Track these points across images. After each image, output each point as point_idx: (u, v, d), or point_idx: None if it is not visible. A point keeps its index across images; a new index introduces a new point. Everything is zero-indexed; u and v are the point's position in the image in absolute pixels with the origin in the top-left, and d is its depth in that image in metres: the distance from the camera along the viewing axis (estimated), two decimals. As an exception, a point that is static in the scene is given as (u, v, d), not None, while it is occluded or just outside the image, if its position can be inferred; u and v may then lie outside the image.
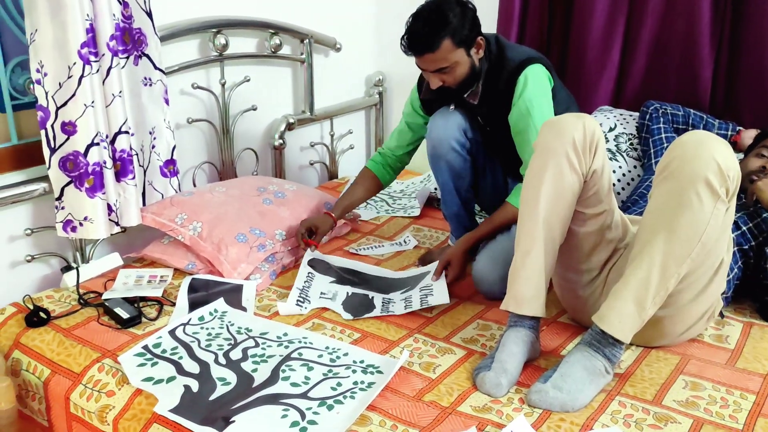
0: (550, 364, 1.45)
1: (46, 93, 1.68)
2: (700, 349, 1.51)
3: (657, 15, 2.23)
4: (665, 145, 2.07)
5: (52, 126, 1.70)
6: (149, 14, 1.85)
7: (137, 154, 1.89)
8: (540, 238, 1.41)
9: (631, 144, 2.17)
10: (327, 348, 1.51)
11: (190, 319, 1.61)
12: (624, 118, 2.24)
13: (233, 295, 1.73)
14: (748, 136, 1.96)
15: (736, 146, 1.99)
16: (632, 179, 2.12)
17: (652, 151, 2.06)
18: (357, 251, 2.06)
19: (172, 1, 2.04)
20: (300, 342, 1.53)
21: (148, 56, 1.88)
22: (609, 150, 2.14)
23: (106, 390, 1.40)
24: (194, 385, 1.37)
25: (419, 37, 1.66)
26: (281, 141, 2.43)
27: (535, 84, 1.72)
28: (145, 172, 1.95)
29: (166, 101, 1.95)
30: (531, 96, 1.71)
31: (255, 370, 1.42)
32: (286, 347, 1.51)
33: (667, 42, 2.24)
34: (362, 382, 1.38)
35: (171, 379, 1.39)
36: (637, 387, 1.37)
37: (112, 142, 1.79)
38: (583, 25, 2.33)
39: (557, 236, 1.44)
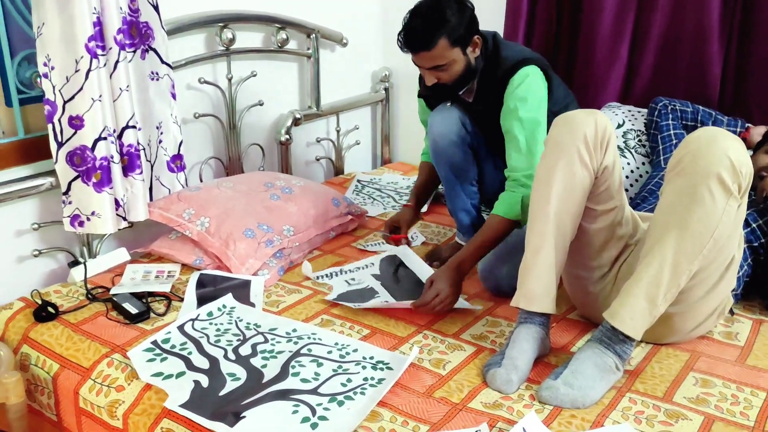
0: (560, 360, 1.45)
1: (54, 87, 1.67)
2: (710, 346, 1.50)
3: (666, 11, 2.22)
4: (674, 141, 2.06)
5: (59, 120, 1.69)
6: (156, 8, 1.85)
7: (144, 149, 1.89)
8: (551, 235, 1.41)
9: (640, 140, 2.16)
10: (336, 344, 1.51)
11: (198, 315, 1.61)
12: (632, 115, 2.23)
13: (241, 290, 1.73)
14: (757, 132, 1.95)
15: (744, 143, 1.98)
16: (641, 176, 2.11)
17: (660, 147, 2.06)
18: (365, 247, 2.05)
19: (178, -5, 2.04)
20: (309, 338, 1.53)
21: (155, 50, 1.88)
22: (617, 146, 2.13)
23: (116, 385, 1.40)
24: (204, 381, 1.37)
25: (415, 35, 1.65)
26: (288, 136, 2.43)
27: (528, 85, 1.69)
28: (152, 167, 1.95)
29: (173, 96, 1.94)
30: (522, 96, 1.69)
31: (265, 366, 1.42)
32: (296, 343, 1.50)
33: (676, 38, 2.23)
34: (372, 378, 1.38)
35: (181, 374, 1.39)
36: (648, 384, 1.36)
37: (119, 136, 1.78)
38: (592, 22, 2.32)
39: (568, 233, 1.43)
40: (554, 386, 1.30)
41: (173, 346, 1.48)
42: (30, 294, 1.68)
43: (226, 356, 1.45)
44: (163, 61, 1.90)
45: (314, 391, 1.33)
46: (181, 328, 1.55)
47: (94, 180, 1.72)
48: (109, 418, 1.38)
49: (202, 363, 1.43)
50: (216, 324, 1.58)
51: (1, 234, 1.75)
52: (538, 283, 1.41)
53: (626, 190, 2.08)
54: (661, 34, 2.25)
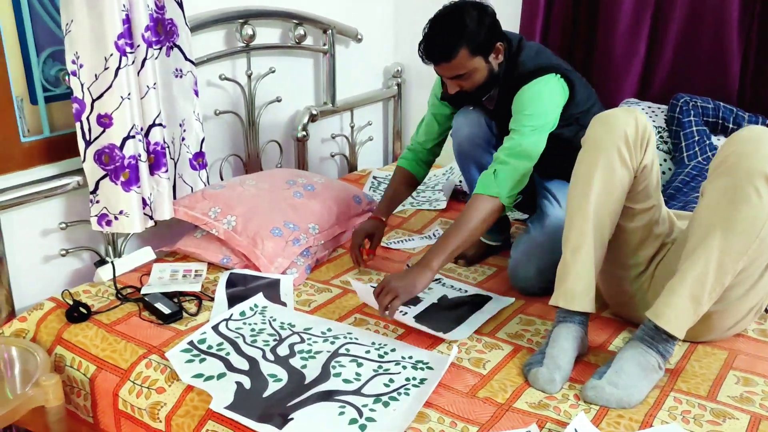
0: (599, 359, 1.46)
1: (82, 85, 1.65)
2: (747, 344, 1.52)
3: (684, 7, 2.23)
4: (696, 138, 2.07)
5: (87, 118, 1.67)
6: (180, 4, 1.82)
7: (168, 147, 1.87)
8: (590, 234, 1.41)
9: (660, 137, 2.17)
10: (373, 344, 1.50)
11: (231, 315, 1.60)
12: (652, 111, 2.24)
13: (271, 289, 1.72)
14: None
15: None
16: (662, 173, 2.12)
17: (683, 144, 2.07)
18: (388, 245, 2.05)
19: (199, -9, 2.02)
20: (345, 337, 1.52)
21: (179, 47, 1.86)
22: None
23: (156, 386, 1.39)
24: (246, 382, 1.36)
25: (436, 46, 1.63)
26: (304, 133, 2.41)
27: (541, 89, 1.66)
28: (175, 165, 1.93)
29: (196, 93, 1.92)
30: (526, 104, 1.66)
31: (304, 367, 1.41)
32: (332, 343, 1.50)
33: (694, 35, 2.24)
34: (414, 378, 1.37)
35: (221, 375, 1.38)
36: (690, 383, 1.37)
37: (146, 134, 1.77)
38: (610, 18, 2.32)
39: (606, 232, 1.44)
40: (599, 386, 1.31)
41: (210, 347, 1.47)
42: (60, 294, 1.66)
43: (264, 357, 1.44)
44: (186, 58, 1.88)
45: (358, 392, 1.33)
46: (215, 328, 1.54)
47: (122, 179, 1.71)
48: (151, 420, 1.37)
49: (242, 364, 1.42)
50: (250, 324, 1.57)
51: (27, 234, 1.73)
52: (577, 282, 1.42)
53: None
54: (679, 30, 2.26)
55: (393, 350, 1.48)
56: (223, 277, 1.74)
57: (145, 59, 1.71)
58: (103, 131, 1.68)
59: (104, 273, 1.76)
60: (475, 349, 1.50)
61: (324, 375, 1.38)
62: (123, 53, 1.64)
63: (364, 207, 2.12)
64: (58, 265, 1.80)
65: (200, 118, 1.95)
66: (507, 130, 1.73)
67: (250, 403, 1.30)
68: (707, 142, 2.07)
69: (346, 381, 1.36)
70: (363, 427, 1.23)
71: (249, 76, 2.20)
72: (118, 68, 1.64)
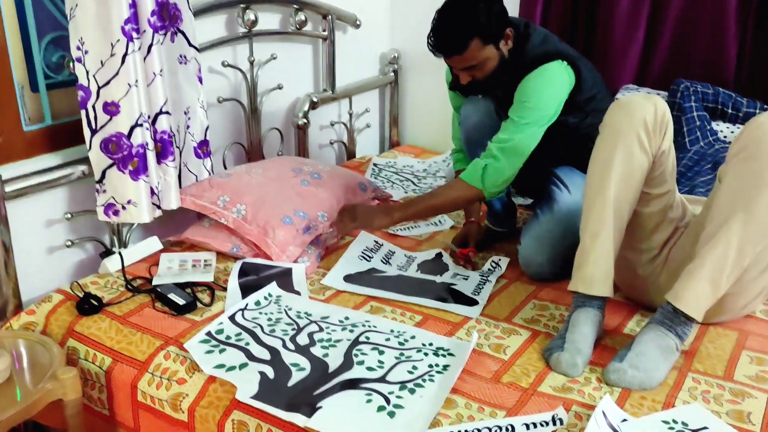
0: (615, 342, 1.47)
1: (87, 72, 1.61)
2: (756, 324, 1.55)
3: (683, -6, 2.25)
4: (697, 123, 2.10)
5: (93, 106, 1.63)
6: (183, -12, 1.79)
7: (174, 135, 1.84)
8: (609, 219, 1.43)
9: (661, 123, 2.19)
10: (392, 331, 1.50)
11: (247, 305, 1.58)
12: (652, 97, 2.25)
13: (284, 278, 1.71)
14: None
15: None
16: (675, 160, 2.14)
17: (685, 129, 2.09)
18: (395, 232, 2.05)
19: (201, -25, 1.98)
20: (363, 326, 1.52)
21: (183, 33, 1.82)
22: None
23: (177, 378, 1.37)
24: (269, 372, 1.35)
25: (446, 39, 1.62)
26: (305, 120, 2.39)
27: (545, 80, 1.66)
28: (180, 153, 1.90)
29: (200, 80, 1.89)
30: (529, 92, 1.66)
31: (326, 355, 1.41)
32: (351, 331, 1.50)
33: (692, 21, 2.26)
34: (437, 365, 1.38)
35: (243, 365, 1.37)
36: (706, 363, 1.40)
37: (153, 122, 1.73)
38: (609, 5, 2.34)
39: (625, 217, 1.45)
40: (621, 369, 1.32)
41: (228, 337, 1.46)
42: (69, 286, 1.62)
43: (284, 346, 1.44)
44: (190, 44, 1.84)
45: (382, 380, 1.33)
46: (232, 318, 1.53)
47: (130, 168, 1.67)
48: (173, 412, 1.35)
49: (262, 354, 1.41)
50: (266, 313, 1.56)
51: (31, 225, 1.69)
52: (596, 267, 1.43)
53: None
54: (677, 16, 2.28)
55: (413, 337, 1.48)
56: (236, 266, 1.72)
57: (151, 45, 1.68)
58: (110, 119, 1.64)
59: (111, 264, 1.73)
60: (494, 335, 1.51)
61: (347, 363, 1.38)
62: (130, 39, 1.60)
63: (369, 194, 2.11)
64: (63, 256, 1.77)
65: (204, 105, 1.92)
66: None
67: (275, 393, 1.29)
68: (708, 127, 2.10)
69: (369, 369, 1.36)
70: (392, 414, 1.24)
71: (251, 63, 2.17)
72: (125, 54, 1.60)
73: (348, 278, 1.73)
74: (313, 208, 1.89)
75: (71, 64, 1.62)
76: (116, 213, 1.71)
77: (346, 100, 2.65)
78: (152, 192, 1.74)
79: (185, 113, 1.89)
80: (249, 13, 2.10)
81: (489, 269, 1.79)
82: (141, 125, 1.66)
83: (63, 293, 1.62)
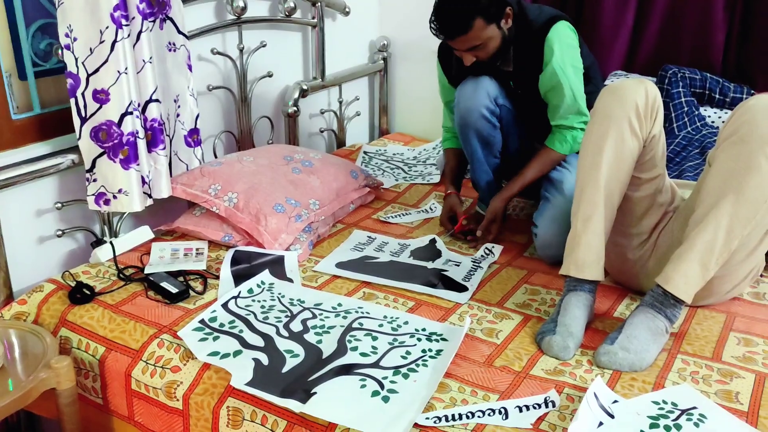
0: (606, 326, 1.49)
1: (76, 59, 1.60)
2: (743, 307, 1.57)
3: (671, -20, 2.26)
4: (685, 109, 2.12)
5: (82, 94, 1.62)
6: (172, -25, 1.77)
7: (164, 124, 1.83)
8: (601, 204, 1.44)
9: (650, 109, 2.21)
10: (385, 317, 1.51)
11: (240, 292, 1.59)
12: (640, 83, 2.27)
13: (276, 266, 1.71)
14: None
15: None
16: (665, 145, 2.16)
17: (673, 114, 2.11)
18: (386, 219, 2.05)
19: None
20: (356, 312, 1.53)
21: (172, 20, 1.80)
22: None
23: (171, 366, 1.38)
24: (263, 359, 1.36)
25: (449, 21, 1.65)
26: (295, 108, 2.38)
27: (563, 42, 1.74)
28: (170, 141, 1.89)
29: (190, 67, 1.88)
30: (562, 55, 1.73)
31: (320, 342, 1.41)
32: (344, 317, 1.50)
33: (680, 6, 2.27)
34: (430, 350, 1.39)
35: (237, 353, 1.37)
36: (695, 345, 1.42)
37: (143, 111, 1.72)
38: (598, -11, 2.34)
39: (615, 201, 1.47)
40: (612, 351, 1.34)
41: (222, 325, 1.46)
42: (61, 275, 1.62)
43: (278, 333, 1.44)
44: (179, 31, 1.83)
45: (376, 365, 1.34)
46: (225, 306, 1.53)
47: (121, 156, 1.66)
48: (168, 400, 1.36)
49: (256, 341, 1.41)
50: (259, 301, 1.56)
51: (21, 215, 1.68)
52: (588, 251, 1.45)
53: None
54: (666, 2, 2.29)
55: (406, 323, 1.49)
56: (228, 255, 1.72)
57: (140, 32, 1.66)
58: (100, 107, 1.63)
59: (102, 253, 1.72)
60: (486, 319, 1.52)
61: (341, 349, 1.38)
62: (119, 25, 1.59)
63: (361, 182, 2.12)
64: (53, 246, 1.76)
65: (194, 93, 1.91)
66: (528, 89, 1.81)
67: (270, 379, 1.30)
68: (696, 112, 2.12)
69: (363, 354, 1.37)
70: (386, 399, 1.25)
71: (241, 50, 2.16)
72: (115, 41, 1.59)
73: (340, 265, 1.74)
74: (304, 196, 1.89)
75: (60, 52, 1.61)
76: (107, 202, 1.71)
77: (336, 88, 2.65)
78: (143, 181, 1.74)
79: (175, 101, 1.88)
80: (238, 0, 2.09)
81: (482, 255, 1.81)
82: (131, 113, 1.65)
83: (54, 283, 1.61)
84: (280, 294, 1.60)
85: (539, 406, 1.23)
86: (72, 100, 1.63)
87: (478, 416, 1.20)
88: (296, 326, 1.47)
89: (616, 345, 1.35)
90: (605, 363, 1.34)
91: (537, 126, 1.88)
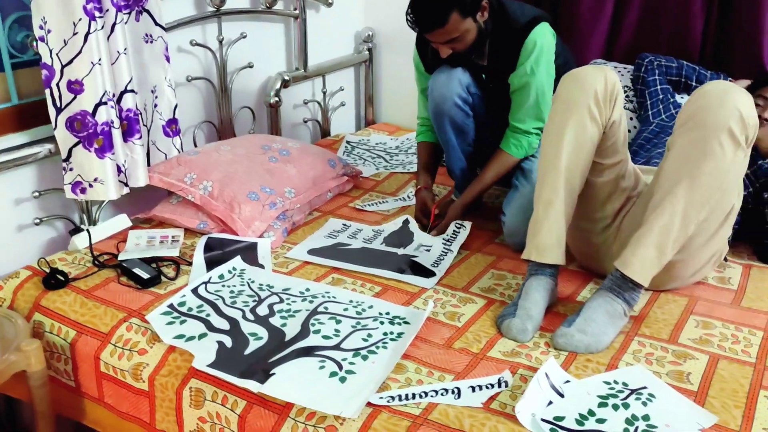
0: (568, 309, 1.51)
1: (51, 51, 1.63)
2: (706, 291, 1.59)
3: (650, -33, 2.26)
4: (660, 96, 2.12)
5: (57, 85, 1.65)
6: (147, -33, 1.80)
7: (141, 114, 1.86)
8: (561, 189, 1.46)
9: (627, 96, 2.22)
10: (351, 301, 1.54)
11: (210, 278, 1.62)
12: (618, 72, 2.28)
13: (249, 253, 1.74)
14: (740, 86, 2.02)
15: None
16: (628, 131, 2.17)
17: (648, 102, 2.12)
18: (363, 207, 2.08)
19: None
20: (323, 296, 1.56)
21: (148, 12, 1.83)
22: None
23: (138, 348, 1.41)
24: (227, 341, 1.39)
25: (426, 14, 1.66)
26: (277, 99, 2.41)
27: (543, 47, 1.74)
28: (148, 131, 1.92)
29: (167, 59, 1.91)
30: (536, 59, 1.74)
31: (284, 325, 1.44)
32: (311, 302, 1.53)
33: (659, -4, 2.28)
34: (392, 333, 1.42)
35: (203, 335, 1.40)
36: (653, 327, 1.44)
37: (118, 101, 1.75)
38: (577, -21, 2.35)
39: (577, 187, 1.49)
40: (569, 333, 1.36)
41: (190, 309, 1.49)
42: (36, 262, 1.66)
43: (244, 317, 1.47)
44: (156, 23, 1.86)
45: (337, 347, 1.37)
46: (195, 291, 1.56)
47: (95, 146, 1.70)
48: (134, 381, 1.39)
49: (222, 324, 1.44)
50: (228, 286, 1.60)
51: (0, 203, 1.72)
52: (549, 236, 1.47)
53: (616, 145, 2.14)
54: (645, -8, 2.30)
55: (371, 307, 1.52)
56: (201, 241, 1.76)
57: (114, 24, 1.69)
58: (74, 98, 1.66)
59: (79, 241, 1.76)
60: (450, 303, 1.55)
61: (304, 332, 1.41)
62: (92, 17, 1.62)
63: (338, 171, 2.14)
64: (33, 234, 1.80)
65: (172, 84, 1.94)
66: (501, 84, 1.82)
67: (232, 361, 1.33)
68: (671, 100, 2.13)
69: (325, 337, 1.40)
70: (343, 379, 1.27)
71: (220, 42, 2.18)
72: (88, 33, 1.62)
73: (312, 252, 1.77)
74: (280, 184, 1.92)
75: (34, 44, 1.64)
76: (83, 191, 1.74)
77: (320, 79, 2.67)
78: (119, 170, 1.77)
79: (152, 92, 1.91)
80: (216, -8, 2.11)
81: (454, 231, 1.82)
82: (105, 103, 1.69)
83: (31, 269, 1.65)
84: (250, 279, 1.63)
85: (492, 386, 1.26)
86: (47, 91, 1.66)
87: (431, 395, 1.23)
88: (263, 310, 1.50)
89: (573, 327, 1.37)
90: (562, 345, 1.36)
91: (505, 120, 1.89)
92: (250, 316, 1.48)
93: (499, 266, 1.72)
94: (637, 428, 1.13)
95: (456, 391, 1.24)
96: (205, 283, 1.60)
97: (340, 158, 2.21)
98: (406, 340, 1.37)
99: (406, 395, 1.23)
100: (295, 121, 2.64)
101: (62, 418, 1.58)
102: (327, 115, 2.75)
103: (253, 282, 1.62)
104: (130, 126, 1.79)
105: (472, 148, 1.97)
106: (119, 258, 1.67)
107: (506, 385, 1.26)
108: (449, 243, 1.79)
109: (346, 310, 1.51)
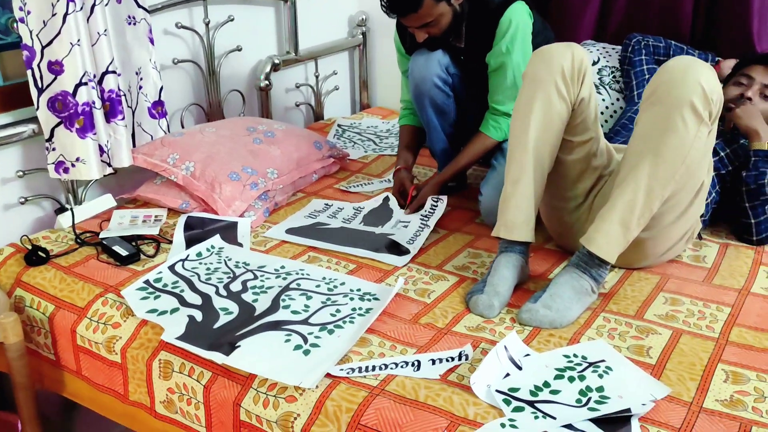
0: (539, 287, 1.52)
1: (31, 32, 1.66)
2: (679, 269, 1.58)
3: (639, -53, 2.24)
4: (647, 76, 2.11)
5: (38, 66, 1.69)
6: (130, -51, 1.82)
7: (125, 95, 1.89)
8: (529, 166, 1.46)
9: (614, 77, 2.21)
10: (324, 278, 1.56)
11: (188, 255, 1.65)
12: (607, 52, 2.27)
13: (229, 231, 1.77)
14: (727, 66, 2.01)
15: (715, 77, 2.03)
16: (615, 111, 2.16)
17: (634, 82, 2.10)
18: (347, 188, 2.09)
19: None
20: (297, 273, 1.58)
21: (130, -6, 1.86)
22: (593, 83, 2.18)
23: (112, 322, 1.44)
24: (198, 315, 1.42)
25: None
26: (267, 82, 2.43)
27: (518, 26, 1.73)
28: (133, 113, 1.95)
29: (151, 41, 1.93)
30: (511, 38, 1.73)
31: (256, 300, 1.47)
32: (284, 278, 1.56)
33: (649, -25, 2.25)
34: (360, 309, 1.44)
35: (175, 310, 1.43)
36: (621, 304, 1.44)
37: (100, 82, 1.78)
38: (567, -42, 2.33)
39: (546, 164, 1.49)
40: (533, 309, 1.37)
41: (165, 285, 1.52)
42: (20, 240, 1.70)
43: (217, 293, 1.50)
44: (139, 5, 1.88)
45: (305, 322, 1.39)
46: (171, 268, 1.59)
47: (77, 126, 1.73)
48: (107, 353, 1.43)
49: (195, 299, 1.47)
50: (205, 263, 1.62)
51: (-15, 182, 1.76)
52: (517, 213, 1.47)
53: (601, 125, 2.12)
54: (635, -29, 2.28)
55: (342, 284, 1.54)
56: (181, 220, 1.78)
57: (94, 5, 1.72)
58: (55, 78, 1.69)
59: (64, 220, 1.80)
60: (422, 281, 1.56)
61: (273, 307, 1.44)
62: (70, -1, 1.65)
63: (324, 153, 2.16)
64: (18, 213, 1.84)
65: (157, 66, 1.96)
66: (478, 65, 1.82)
67: (200, 334, 1.36)
68: (658, 80, 2.11)
69: (294, 312, 1.42)
70: (307, 352, 1.30)
71: (207, 25, 2.20)
72: (66, 14, 1.65)
73: (290, 231, 1.79)
74: (262, 165, 1.94)
75: (15, 25, 1.67)
76: (66, 170, 1.78)
77: (312, 63, 2.68)
78: (102, 150, 1.80)
79: (137, 73, 1.93)
80: (202, -25, 2.13)
81: (431, 206, 1.83)
82: (86, 84, 1.72)
83: (14, 246, 1.70)
84: (227, 257, 1.65)
85: (453, 359, 1.27)
86: (29, 72, 1.69)
87: (391, 368, 1.24)
88: (236, 286, 1.53)
89: (538, 303, 1.38)
90: (526, 320, 1.37)
91: (485, 101, 1.89)
92: (223, 292, 1.50)
93: (476, 245, 1.73)
94: (590, 399, 1.14)
95: (416, 363, 1.26)
96: (183, 260, 1.63)
97: (327, 141, 2.22)
98: (373, 316, 1.39)
99: (366, 367, 1.25)
100: (287, 104, 2.65)
101: (52, 394, 1.62)
102: (320, 99, 2.76)
103: (230, 260, 1.64)
104: (112, 107, 1.82)
105: (454, 129, 1.98)
106: (100, 236, 1.71)
107: (467, 359, 1.27)
108: (426, 219, 1.80)
109: (318, 286, 1.52)
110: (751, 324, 1.36)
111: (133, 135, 1.96)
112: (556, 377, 1.20)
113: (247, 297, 1.48)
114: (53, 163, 1.77)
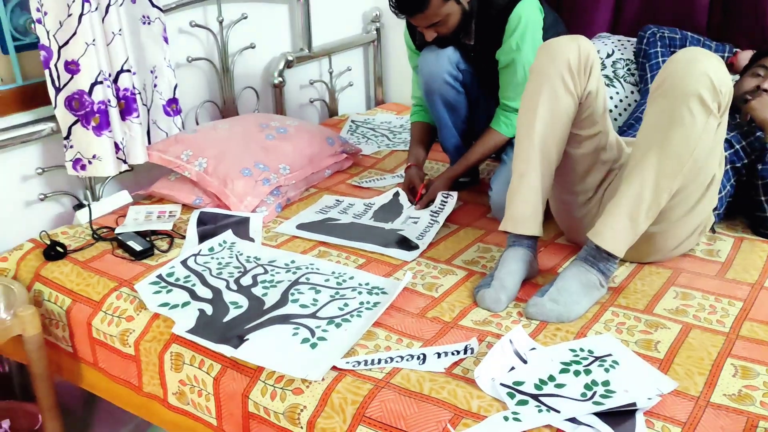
0: (547, 281, 1.51)
1: (48, 32, 1.70)
2: (692, 263, 1.57)
3: (655, -62, 2.21)
4: (662, 69, 2.08)
5: (55, 65, 1.72)
6: (143, -51, 1.85)
7: (140, 93, 1.92)
8: (536, 160, 1.46)
9: (629, 69, 2.18)
10: (333, 273, 1.57)
11: (200, 250, 1.67)
12: (622, 44, 2.24)
13: (241, 227, 1.79)
14: (744, 57, 1.97)
15: (732, 68, 2.00)
16: (629, 104, 2.14)
17: (648, 75, 2.08)
18: (359, 184, 2.10)
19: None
20: (307, 268, 1.59)
21: (144, -7, 1.89)
22: (606, 76, 2.16)
23: (126, 315, 1.47)
24: (208, 309, 1.44)
25: None
26: (281, 79, 2.45)
27: (526, 24, 1.72)
28: (148, 111, 1.99)
29: (166, 40, 1.96)
30: (521, 35, 1.72)
31: (265, 294, 1.49)
32: (294, 273, 1.57)
33: (665, -35, 2.22)
34: (368, 303, 1.45)
35: (186, 304, 1.46)
36: (630, 298, 1.43)
37: (115, 80, 1.82)
38: (581, -50, 2.31)
39: (553, 158, 1.48)
40: (540, 303, 1.37)
41: (177, 279, 1.55)
42: (39, 235, 1.74)
43: (228, 287, 1.52)
44: (153, 5, 1.91)
45: (313, 315, 1.41)
46: (184, 262, 1.62)
47: (93, 124, 1.76)
48: (122, 346, 1.46)
49: (206, 293, 1.50)
50: (217, 258, 1.65)
51: (7, 179, 1.80)
52: (524, 207, 1.47)
53: (615, 119, 2.11)
54: (650, -38, 2.25)
55: (351, 278, 1.55)
56: (194, 215, 1.81)
57: (109, 5, 1.75)
58: (72, 77, 1.73)
59: (82, 216, 1.84)
60: (430, 275, 1.56)
61: (282, 301, 1.46)
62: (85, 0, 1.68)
63: (337, 149, 2.17)
64: (39, 209, 1.88)
65: (171, 64, 1.99)
66: (489, 62, 1.81)
67: (210, 328, 1.38)
68: (673, 73, 2.08)
69: (303, 306, 1.44)
70: (314, 345, 1.31)
71: (221, 23, 2.23)
72: (81, 14, 1.68)
73: (301, 226, 1.81)
74: (274, 161, 1.96)
75: (33, 26, 1.71)
76: (83, 167, 1.82)
77: (326, 59, 2.70)
78: (117, 147, 1.84)
79: (152, 72, 1.97)
80: (215, -26, 2.15)
81: (441, 202, 1.83)
82: (101, 83, 1.75)
83: (34, 242, 1.74)
84: (238, 252, 1.68)
85: (458, 352, 1.28)
86: (46, 72, 1.73)
87: (397, 361, 1.25)
88: (246, 281, 1.55)
89: (545, 297, 1.38)
90: (533, 314, 1.37)
91: (496, 98, 1.89)
92: (233, 286, 1.52)
93: (486, 240, 1.73)
94: (595, 393, 1.14)
95: (421, 357, 1.27)
96: (195, 255, 1.65)
97: (340, 137, 2.23)
98: (380, 309, 1.40)
99: (372, 360, 1.26)
100: (302, 101, 2.67)
101: (74, 388, 1.66)
102: (334, 96, 2.77)
103: (241, 254, 1.67)
104: (127, 105, 1.85)
105: (465, 125, 1.98)
106: (116, 231, 1.74)
107: (472, 352, 1.27)
108: (436, 215, 1.80)
109: (327, 280, 1.54)
110: (762, 318, 1.35)
111: (148, 132, 1.99)
112: (562, 371, 1.20)
113: (257, 291, 1.50)
114: (71, 161, 1.81)
